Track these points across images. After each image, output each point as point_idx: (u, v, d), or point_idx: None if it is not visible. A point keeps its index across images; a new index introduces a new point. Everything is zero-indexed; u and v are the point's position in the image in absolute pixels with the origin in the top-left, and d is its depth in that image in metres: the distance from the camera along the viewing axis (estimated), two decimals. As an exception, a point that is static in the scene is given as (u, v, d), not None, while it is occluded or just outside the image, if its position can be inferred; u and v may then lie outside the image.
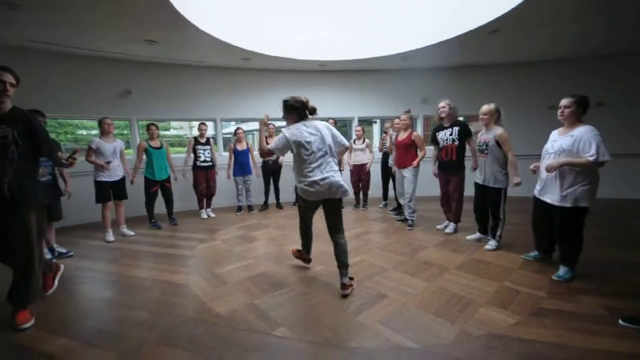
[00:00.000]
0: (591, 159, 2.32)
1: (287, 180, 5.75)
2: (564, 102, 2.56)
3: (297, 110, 2.51)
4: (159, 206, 4.66)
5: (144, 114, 5.40)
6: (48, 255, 3.28)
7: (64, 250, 3.50)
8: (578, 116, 2.52)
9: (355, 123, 6.40)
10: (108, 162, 3.80)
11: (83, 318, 2.25)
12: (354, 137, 5.56)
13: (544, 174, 2.65)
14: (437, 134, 3.93)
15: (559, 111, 2.59)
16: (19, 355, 1.86)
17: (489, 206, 3.28)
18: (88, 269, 3.15)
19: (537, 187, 2.78)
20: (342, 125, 7.98)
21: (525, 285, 2.52)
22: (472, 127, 4.03)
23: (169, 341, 1.93)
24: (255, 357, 1.77)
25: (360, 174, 5.35)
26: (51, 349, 1.88)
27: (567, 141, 2.47)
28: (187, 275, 2.94)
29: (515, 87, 6.01)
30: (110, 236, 4.00)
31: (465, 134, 3.68)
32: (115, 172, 3.94)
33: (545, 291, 2.43)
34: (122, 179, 4.06)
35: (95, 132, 9.45)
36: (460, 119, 4.09)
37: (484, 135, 3.28)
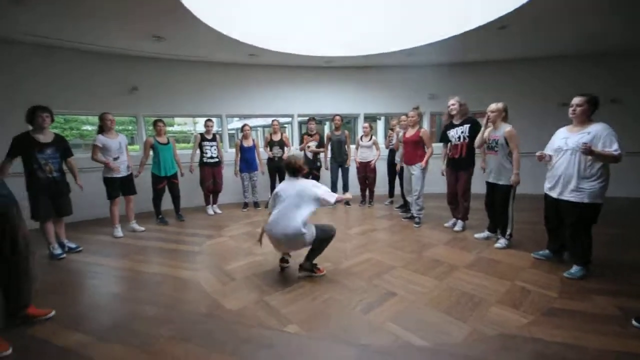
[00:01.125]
0: (616, 153, 2.34)
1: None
2: (576, 100, 2.56)
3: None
4: (166, 202, 4.68)
5: (150, 110, 5.41)
6: (58, 251, 3.33)
7: (73, 246, 3.52)
8: (589, 115, 2.55)
9: (361, 119, 6.37)
10: (116, 158, 3.81)
11: (96, 313, 2.27)
12: (360, 133, 5.53)
13: (558, 170, 2.63)
14: (447, 132, 3.89)
15: (571, 109, 2.60)
16: (37, 348, 1.88)
17: (498, 204, 3.26)
18: (98, 264, 3.18)
19: (547, 185, 2.76)
20: (347, 122, 7.96)
21: (536, 285, 2.50)
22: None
23: (182, 336, 1.95)
24: (267, 353, 1.78)
25: (366, 171, 5.33)
26: (67, 343, 1.90)
27: (585, 137, 2.46)
28: (196, 271, 2.95)
29: (524, 83, 5.93)
30: (119, 232, 4.03)
31: (476, 131, 3.64)
32: (123, 167, 3.95)
33: (557, 291, 2.42)
34: (130, 175, 4.08)
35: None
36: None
37: (494, 133, 3.26)
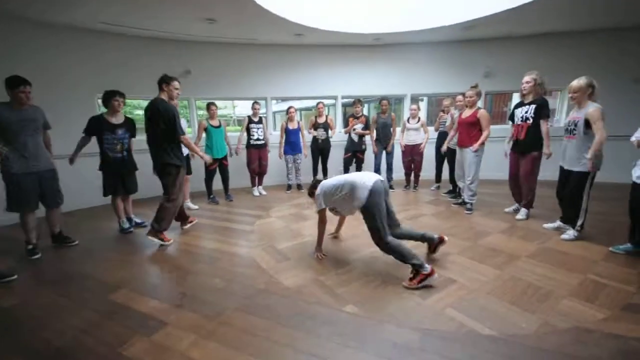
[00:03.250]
0: None
1: (336, 159, 5.75)
2: None
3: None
4: (215, 183, 4.90)
5: (200, 94, 5.60)
6: (126, 225, 3.64)
7: (139, 221, 3.84)
8: None
9: (407, 101, 6.11)
10: None
11: (167, 282, 2.47)
12: (407, 115, 5.32)
13: None
14: (515, 110, 3.61)
15: None
16: (120, 312, 2.09)
17: (570, 191, 2.96)
18: (162, 238, 3.43)
19: (637, 172, 2.46)
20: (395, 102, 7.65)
21: (612, 279, 2.30)
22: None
23: (246, 308, 2.06)
24: (329, 330, 1.82)
25: (413, 155, 5.16)
26: (145, 310, 2.09)
27: None
28: (251, 248, 3.08)
29: (597, 58, 5.27)
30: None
31: (541, 113, 3.33)
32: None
33: (636, 286, 2.21)
34: (187, 156, 4.28)
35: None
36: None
37: (574, 113, 2.91)
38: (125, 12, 4.08)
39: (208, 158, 3.81)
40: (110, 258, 2.98)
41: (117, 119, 3.46)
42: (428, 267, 2.25)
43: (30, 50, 4.21)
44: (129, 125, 3.55)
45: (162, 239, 3.17)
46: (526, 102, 3.48)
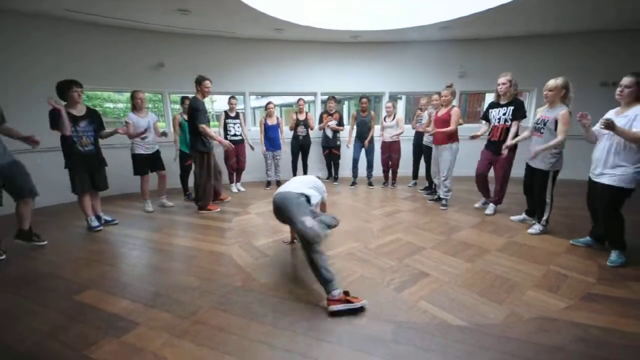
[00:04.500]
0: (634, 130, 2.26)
1: (316, 156, 5.75)
2: (625, 80, 2.39)
3: None
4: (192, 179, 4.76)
5: (175, 87, 5.42)
6: (95, 223, 3.47)
7: (109, 218, 3.68)
8: (637, 96, 2.36)
9: (386, 98, 6.20)
10: (144, 137, 3.83)
11: (138, 282, 2.38)
12: (384, 114, 5.40)
13: (597, 152, 2.55)
14: (490, 110, 3.70)
15: (618, 90, 2.43)
16: (87, 313, 2.00)
17: (536, 188, 3.13)
18: (134, 236, 3.31)
19: (594, 169, 2.62)
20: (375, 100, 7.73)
21: (573, 270, 2.45)
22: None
23: (222, 307, 2.03)
24: (305, 325, 1.83)
25: (390, 152, 5.24)
26: (115, 310, 2.01)
27: (621, 121, 2.34)
28: (228, 246, 3.04)
29: (563, 61, 5.54)
30: (150, 206, 4.16)
31: (519, 115, 3.44)
32: (152, 145, 4.02)
33: (595, 277, 2.36)
34: (158, 152, 4.15)
35: (121, 105, 9.55)
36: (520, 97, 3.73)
37: (545, 112, 3.04)
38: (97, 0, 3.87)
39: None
40: (78, 257, 2.84)
41: (78, 111, 3.26)
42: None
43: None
44: (93, 116, 3.35)
45: (210, 209, 4.07)
46: (502, 102, 3.57)
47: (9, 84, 4.09)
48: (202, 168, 3.88)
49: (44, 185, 4.15)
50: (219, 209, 4.14)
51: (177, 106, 6.26)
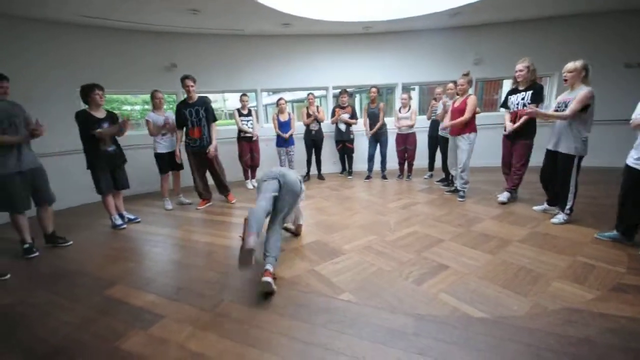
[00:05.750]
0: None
1: (330, 151, 5.73)
2: None
3: None
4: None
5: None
6: (119, 221, 3.59)
7: (132, 217, 3.80)
8: None
9: (399, 90, 6.09)
10: (164, 134, 3.97)
11: (162, 277, 2.46)
12: (398, 105, 5.32)
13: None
14: (509, 97, 3.61)
15: None
16: (115, 307, 2.08)
17: (559, 175, 3.01)
18: (156, 233, 3.41)
19: (636, 155, 2.42)
20: (387, 92, 7.63)
21: (601, 260, 2.36)
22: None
23: (241, 300, 2.07)
24: (326, 317, 1.84)
25: (405, 144, 5.17)
26: (141, 304, 2.09)
27: None
28: (245, 241, 3.07)
29: (584, 44, 5.27)
30: (169, 204, 4.27)
31: (538, 99, 3.32)
32: (171, 143, 4.11)
33: (625, 266, 2.26)
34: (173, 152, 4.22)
35: (138, 107, 9.83)
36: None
37: (566, 95, 2.94)
38: (109, 5, 3.96)
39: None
40: (104, 254, 2.96)
41: (100, 113, 3.37)
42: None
43: (13, 47, 4.10)
44: (113, 118, 3.45)
45: (198, 208, 4.25)
46: (521, 88, 3.48)
47: (29, 89, 4.23)
48: (190, 167, 4.24)
49: (70, 187, 4.37)
50: (206, 205, 4.34)
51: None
